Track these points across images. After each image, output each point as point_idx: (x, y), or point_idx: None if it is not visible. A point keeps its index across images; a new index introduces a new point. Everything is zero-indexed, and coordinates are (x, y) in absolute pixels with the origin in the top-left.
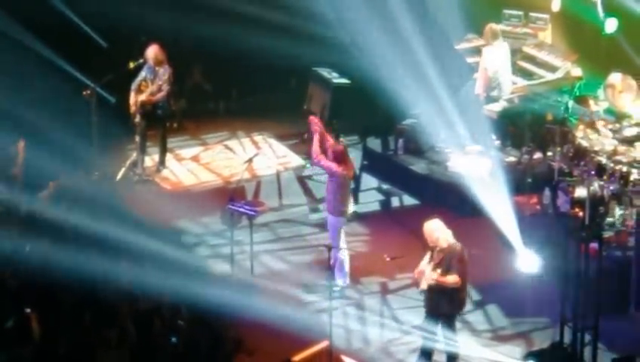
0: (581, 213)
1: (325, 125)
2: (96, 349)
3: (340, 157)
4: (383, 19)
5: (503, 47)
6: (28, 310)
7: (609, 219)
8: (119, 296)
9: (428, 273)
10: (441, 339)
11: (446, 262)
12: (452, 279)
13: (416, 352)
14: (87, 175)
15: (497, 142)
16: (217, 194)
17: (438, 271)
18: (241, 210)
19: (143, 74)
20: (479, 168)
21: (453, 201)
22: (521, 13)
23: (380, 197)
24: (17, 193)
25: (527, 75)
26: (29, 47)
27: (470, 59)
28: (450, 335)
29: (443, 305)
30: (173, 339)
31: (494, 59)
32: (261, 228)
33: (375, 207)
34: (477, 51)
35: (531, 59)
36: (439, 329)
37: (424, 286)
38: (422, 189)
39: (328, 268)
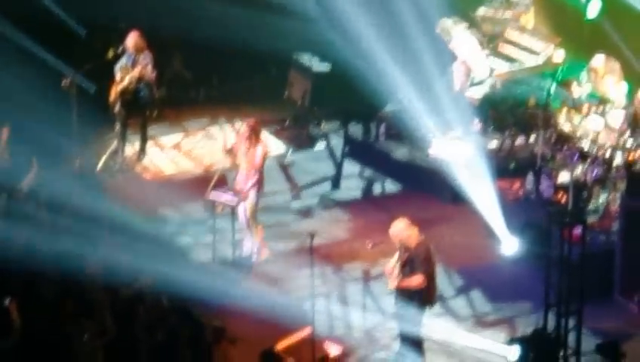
0: (564, 198)
1: (307, 111)
2: (75, 338)
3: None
4: (364, 3)
5: (468, 36)
6: (7, 301)
7: (592, 204)
8: (99, 285)
9: (395, 273)
10: (412, 323)
11: (412, 261)
12: (416, 281)
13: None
14: (67, 164)
15: (479, 128)
16: (199, 182)
17: (400, 274)
18: (222, 198)
19: (123, 61)
20: (461, 154)
21: (435, 187)
22: None
23: (362, 183)
24: None
25: (509, 59)
26: (6, 36)
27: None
28: (418, 318)
29: (410, 302)
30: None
31: (467, 49)
32: None
33: (357, 193)
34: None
35: (513, 44)
36: (412, 315)
37: (392, 286)
38: (404, 175)
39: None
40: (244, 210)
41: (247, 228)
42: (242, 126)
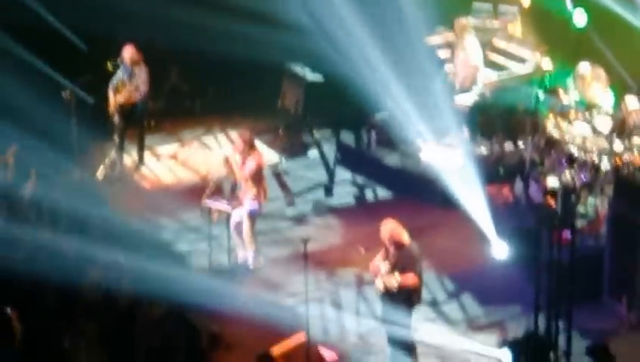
0: (553, 203)
1: (299, 120)
2: (75, 344)
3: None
4: (354, 14)
5: (475, 40)
6: (8, 309)
7: (581, 209)
8: (98, 292)
9: (384, 273)
10: (401, 327)
11: (402, 262)
12: (411, 279)
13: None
14: (67, 173)
15: (469, 134)
16: (195, 190)
17: (396, 273)
18: (218, 205)
19: (119, 74)
20: (451, 159)
21: (426, 193)
22: (490, 6)
23: (354, 189)
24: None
25: (497, 67)
26: (8, 50)
27: (440, 53)
28: (408, 321)
29: (398, 303)
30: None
31: (477, 53)
32: None
33: (349, 199)
34: (447, 45)
35: (501, 52)
36: (401, 318)
37: (380, 286)
38: (395, 181)
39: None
40: (237, 219)
41: (238, 237)
42: (236, 138)
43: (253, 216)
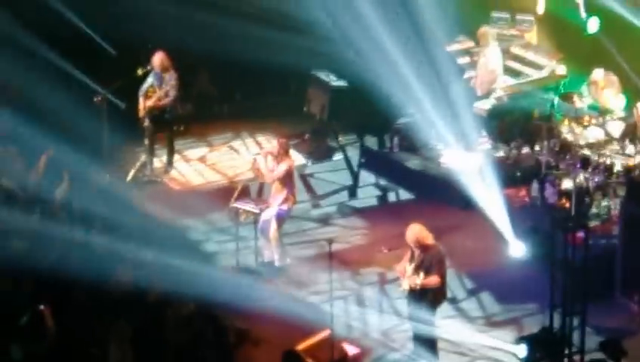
0: (568, 204)
1: (325, 125)
2: (107, 341)
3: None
4: (377, 24)
5: (498, 48)
6: (41, 306)
7: (594, 210)
8: (128, 290)
9: (409, 274)
10: (424, 324)
11: (426, 263)
12: (434, 280)
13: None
14: (99, 176)
15: (487, 139)
16: (223, 192)
17: (422, 274)
18: (245, 207)
19: (150, 80)
20: (470, 163)
21: (446, 195)
22: (508, 15)
23: (378, 192)
24: (32, 193)
25: (514, 74)
26: (45, 57)
27: (460, 60)
28: (431, 319)
29: (423, 303)
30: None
31: (497, 59)
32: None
33: (373, 201)
34: (467, 53)
35: (518, 59)
36: (425, 315)
37: (406, 286)
38: (417, 184)
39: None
40: (265, 220)
41: (265, 237)
42: (272, 142)
43: (280, 218)
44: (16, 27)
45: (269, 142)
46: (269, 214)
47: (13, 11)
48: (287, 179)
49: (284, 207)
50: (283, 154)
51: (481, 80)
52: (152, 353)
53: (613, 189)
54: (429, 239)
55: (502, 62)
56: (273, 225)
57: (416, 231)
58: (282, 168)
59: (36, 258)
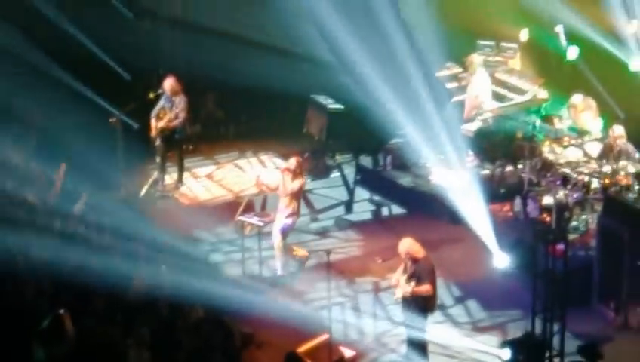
0: (548, 219)
1: (323, 145)
2: (127, 347)
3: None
4: (372, 51)
5: (485, 74)
6: (62, 311)
7: (573, 223)
8: (142, 298)
9: (402, 284)
10: (416, 329)
11: (418, 273)
12: (425, 288)
13: (405, 342)
14: (114, 192)
15: (474, 158)
16: (229, 207)
17: (412, 282)
18: (250, 220)
19: (161, 103)
20: (458, 180)
21: (435, 210)
22: (493, 43)
23: (372, 207)
24: (53, 207)
25: (499, 98)
26: (62, 81)
27: (449, 85)
28: (423, 325)
29: (415, 310)
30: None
31: (482, 85)
32: (268, 236)
33: (368, 216)
34: (455, 78)
35: (503, 84)
36: (417, 321)
37: (399, 295)
38: (408, 200)
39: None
40: (277, 232)
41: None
42: (291, 160)
43: (285, 230)
44: (39, 55)
45: (287, 160)
46: (276, 226)
47: (37, 40)
48: (297, 195)
49: (290, 220)
50: (299, 172)
51: (469, 106)
52: (165, 356)
53: (591, 205)
54: (419, 251)
55: (489, 88)
56: (278, 237)
57: (407, 245)
58: (297, 184)
59: (57, 267)
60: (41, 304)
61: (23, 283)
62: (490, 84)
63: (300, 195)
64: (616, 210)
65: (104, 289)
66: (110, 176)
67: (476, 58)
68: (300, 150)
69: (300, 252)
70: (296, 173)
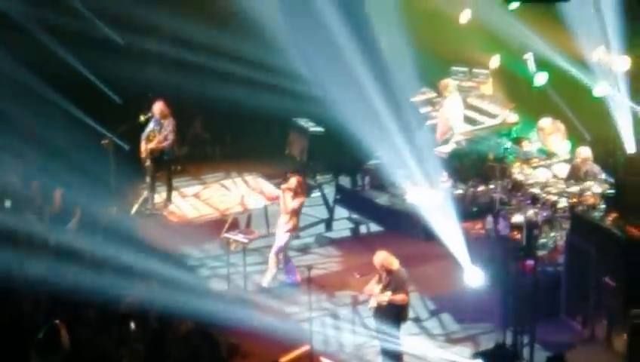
0: (519, 236)
1: (304, 166)
2: (116, 355)
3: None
4: (351, 76)
5: (458, 98)
6: (57, 321)
7: (542, 241)
8: (133, 312)
9: (377, 293)
10: (391, 340)
11: (393, 284)
12: (400, 297)
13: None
14: (106, 209)
15: (447, 178)
16: (215, 224)
17: (388, 292)
18: (235, 237)
19: (151, 125)
20: (432, 199)
21: (411, 228)
22: (466, 69)
23: (351, 225)
24: (49, 226)
25: (471, 121)
26: (57, 104)
27: (423, 109)
28: (397, 334)
29: (389, 320)
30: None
31: (454, 109)
32: (252, 252)
33: (347, 233)
34: (429, 102)
35: (475, 108)
36: (391, 332)
37: (373, 304)
38: (385, 218)
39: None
40: (275, 246)
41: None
42: (292, 179)
43: (281, 245)
44: (34, 79)
45: (288, 180)
46: (276, 242)
47: (32, 66)
48: (297, 213)
49: (287, 236)
50: (299, 191)
51: (439, 127)
52: None
53: (559, 223)
54: (394, 263)
55: (461, 112)
56: (273, 250)
57: (382, 257)
58: (296, 203)
59: (53, 281)
60: (37, 316)
61: (20, 298)
62: (463, 108)
63: (299, 213)
64: (583, 228)
65: (97, 302)
66: (103, 194)
67: (450, 82)
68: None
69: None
70: (296, 192)
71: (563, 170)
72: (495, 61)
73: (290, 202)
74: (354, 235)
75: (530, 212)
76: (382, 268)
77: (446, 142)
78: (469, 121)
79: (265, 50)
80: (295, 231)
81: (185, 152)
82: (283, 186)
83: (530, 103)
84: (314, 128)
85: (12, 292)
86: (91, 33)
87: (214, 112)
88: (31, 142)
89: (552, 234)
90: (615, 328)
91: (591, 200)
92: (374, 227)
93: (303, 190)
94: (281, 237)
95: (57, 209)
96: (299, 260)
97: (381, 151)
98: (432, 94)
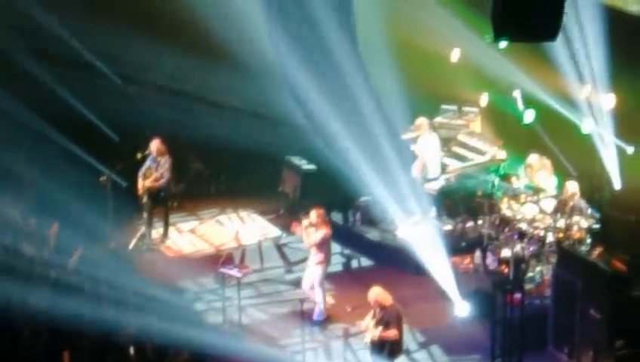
0: (506, 270)
1: (297, 203)
2: None
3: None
4: (343, 115)
5: (434, 137)
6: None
7: (530, 274)
8: (131, 343)
9: (371, 329)
10: None
11: (385, 319)
12: (392, 333)
13: None
14: (105, 245)
15: (437, 214)
16: (211, 259)
17: (380, 327)
18: (230, 272)
19: (148, 163)
20: (422, 235)
21: (401, 262)
22: (455, 107)
23: (343, 260)
24: (48, 260)
25: (460, 158)
26: (57, 142)
27: (413, 146)
28: None
29: (382, 354)
30: None
31: (429, 147)
32: (247, 286)
33: (339, 267)
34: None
35: (464, 145)
36: None
37: (368, 339)
38: (376, 253)
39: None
40: (310, 280)
41: (311, 294)
42: (312, 214)
43: (318, 279)
44: (32, 118)
45: (308, 215)
46: (308, 276)
47: (33, 105)
48: (323, 245)
49: (320, 268)
50: (321, 223)
51: (416, 164)
52: None
53: (546, 257)
54: (387, 299)
55: (437, 150)
56: (309, 285)
57: (376, 293)
58: (319, 235)
59: (52, 313)
60: (37, 347)
61: (20, 329)
62: (451, 146)
63: (326, 244)
64: (569, 262)
65: (96, 334)
66: (101, 230)
67: (424, 122)
68: (274, 207)
69: (331, 301)
70: (318, 225)
71: (550, 205)
72: (484, 99)
73: (313, 236)
74: (346, 270)
75: (518, 247)
76: (375, 304)
77: (425, 178)
78: (458, 157)
79: (259, 89)
80: (326, 263)
81: (181, 189)
82: (304, 223)
83: (518, 140)
84: (307, 166)
85: (12, 322)
86: (90, 72)
87: (209, 150)
88: (31, 180)
89: (539, 268)
90: (601, 359)
91: (577, 235)
92: (365, 262)
93: (325, 222)
94: (313, 270)
95: (53, 245)
96: (292, 293)
97: (372, 187)
98: (429, 126)
